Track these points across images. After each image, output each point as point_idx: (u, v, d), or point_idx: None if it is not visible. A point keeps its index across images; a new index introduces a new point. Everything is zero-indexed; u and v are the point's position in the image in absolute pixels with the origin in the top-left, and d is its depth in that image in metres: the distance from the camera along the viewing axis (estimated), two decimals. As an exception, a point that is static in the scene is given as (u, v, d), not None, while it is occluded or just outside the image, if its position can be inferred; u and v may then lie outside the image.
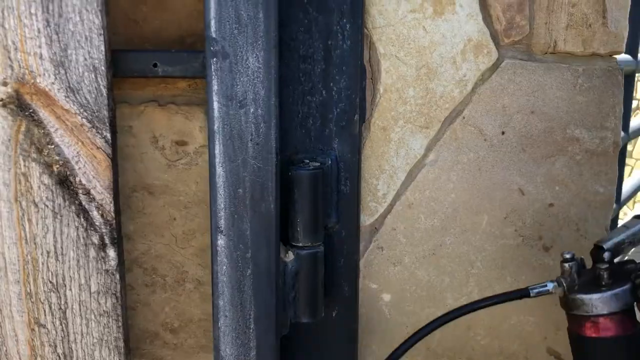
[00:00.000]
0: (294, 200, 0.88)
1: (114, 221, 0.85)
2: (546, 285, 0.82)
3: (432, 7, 0.95)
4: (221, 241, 0.86)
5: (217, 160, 0.83)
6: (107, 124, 0.82)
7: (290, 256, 0.90)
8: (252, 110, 0.82)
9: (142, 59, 0.84)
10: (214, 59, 0.80)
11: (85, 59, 0.80)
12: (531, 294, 0.83)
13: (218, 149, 0.83)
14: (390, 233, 1.01)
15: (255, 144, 0.83)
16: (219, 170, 0.84)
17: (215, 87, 0.81)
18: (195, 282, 1.00)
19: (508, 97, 1.01)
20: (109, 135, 0.83)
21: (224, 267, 0.87)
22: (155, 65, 0.85)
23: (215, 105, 0.82)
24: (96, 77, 0.81)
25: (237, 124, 0.82)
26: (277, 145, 0.84)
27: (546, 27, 1.01)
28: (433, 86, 0.98)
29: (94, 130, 0.82)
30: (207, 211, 0.97)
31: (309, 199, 0.88)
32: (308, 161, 0.89)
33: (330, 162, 0.92)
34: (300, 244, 0.89)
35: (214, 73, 0.81)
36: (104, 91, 0.82)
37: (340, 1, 0.88)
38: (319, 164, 0.90)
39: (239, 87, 0.81)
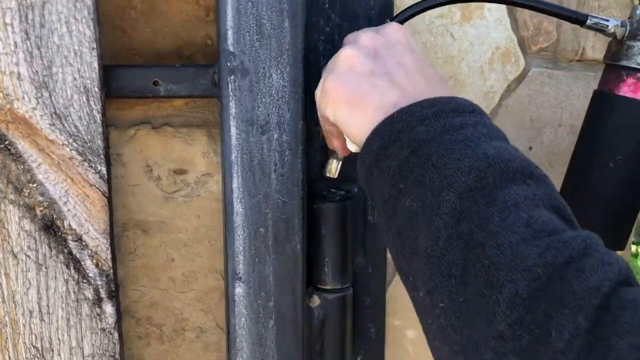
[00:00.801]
0: (320, 236, 0.76)
1: (111, 271, 0.71)
2: (608, 21, 0.70)
3: (460, 12, 0.86)
4: (240, 289, 0.73)
5: (234, 195, 0.71)
6: (102, 156, 0.68)
7: (316, 301, 0.78)
8: (275, 136, 0.70)
9: (140, 75, 0.71)
10: (232, 77, 0.68)
11: (75, 79, 0.66)
12: (588, 21, 0.70)
13: (236, 183, 0.70)
14: (415, 264, 0.91)
15: (280, 176, 0.71)
16: (238, 207, 0.71)
17: (233, 110, 0.69)
18: (196, 330, 0.86)
19: (536, 109, 0.93)
20: (104, 170, 0.69)
21: (243, 320, 0.74)
22: (156, 83, 0.71)
23: (233, 131, 0.69)
24: (88, 100, 0.67)
25: (258, 153, 0.70)
26: (304, 176, 0.72)
27: (573, 33, 0.93)
28: (460, 100, 0.88)
29: (85, 164, 0.68)
30: (210, 249, 0.84)
31: (337, 235, 0.76)
32: (333, 190, 0.77)
33: (356, 189, 0.81)
34: (328, 287, 0.78)
35: (231, 93, 0.68)
36: (98, 117, 0.67)
37: (367, 6, 0.77)
38: (344, 192, 0.79)
39: (261, 109, 0.69)
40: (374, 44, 0.61)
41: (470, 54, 0.88)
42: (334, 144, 0.68)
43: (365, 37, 0.62)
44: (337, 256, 0.77)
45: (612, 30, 0.71)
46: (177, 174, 0.82)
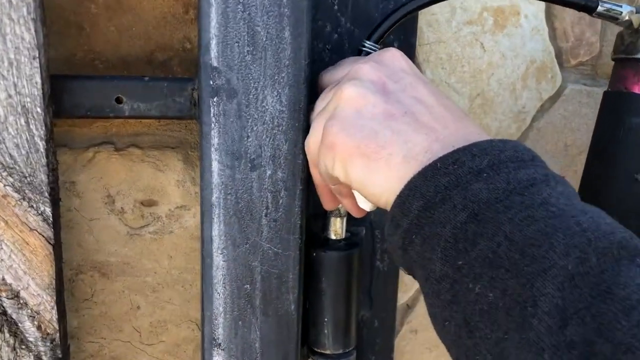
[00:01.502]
0: (319, 291, 0.62)
1: (58, 334, 0.57)
2: (621, 7, 0.58)
3: (493, 18, 0.71)
4: (218, 358, 0.59)
5: (214, 245, 0.56)
6: (46, 194, 0.53)
7: (311, 367, 0.64)
8: (269, 172, 0.56)
9: (100, 90, 0.55)
10: (215, 99, 0.53)
11: (9, 96, 0.51)
12: (599, 7, 0.58)
13: (217, 230, 0.56)
14: (426, 311, 0.78)
15: (272, 221, 0.57)
16: (218, 259, 0.57)
17: (215, 140, 0.54)
18: (166, 387, 0.73)
19: (571, 133, 0.80)
20: (48, 210, 0.54)
21: (222, 393, 0.60)
22: (119, 100, 0.56)
23: (215, 166, 0.54)
24: (27, 123, 0.52)
25: (246, 194, 0.56)
26: (303, 222, 0.58)
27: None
28: (488, 121, 0.74)
29: (24, 203, 0.53)
30: (183, 294, 0.69)
31: (341, 290, 0.63)
32: (337, 230, 0.63)
33: (364, 231, 0.67)
34: (328, 352, 0.64)
35: (214, 119, 0.53)
36: (40, 145, 0.52)
37: (386, 9, 0.62)
38: (349, 234, 0.65)
39: (251, 139, 0.54)
40: (380, 77, 0.48)
41: (502, 68, 0.73)
42: (343, 203, 0.54)
43: (368, 68, 0.48)
44: (340, 316, 0.63)
45: (627, 17, 0.58)
46: (145, 206, 0.67)
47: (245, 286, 0.58)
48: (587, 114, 0.80)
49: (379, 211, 0.67)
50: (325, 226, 0.62)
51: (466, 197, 0.39)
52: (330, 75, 0.55)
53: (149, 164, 0.66)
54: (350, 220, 0.65)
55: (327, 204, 0.58)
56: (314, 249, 0.62)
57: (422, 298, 0.77)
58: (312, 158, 0.54)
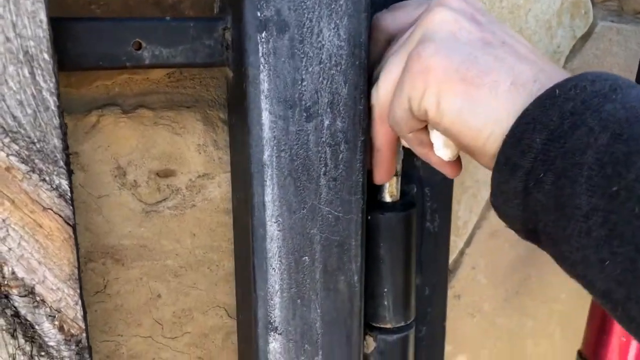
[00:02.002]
0: (378, 258, 0.55)
1: (84, 334, 0.47)
2: None
3: (531, -53, 0.65)
4: (275, 344, 0.51)
5: (267, 213, 0.47)
6: (61, 162, 0.43)
7: (370, 345, 0.57)
8: (326, 122, 0.47)
9: (114, 35, 0.45)
10: (263, 35, 0.44)
11: (7, 40, 0.40)
12: None
13: (270, 195, 0.47)
14: (469, 274, 0.72)
15: (332, 181, 0.48)
16: (272, 229, 0.48)
17: (265, 86, 0.45)
18: (193, 384, 0.63)
19: (605, 73, 0.74)
20: (65, 183, 0.44)
21: (279, 384, 0.52)
22: (138, 46, 0.46)
23: (266, 117, 0.45)
24: (32, 73, 0.41)
25: (302, 150, 0.47)
26: (365, 180, 0.50)
27: (646, -23, 0.75)
28: (526, 63, 0.68)
29: (34, 176, 0.43)
30: (210, 277, 0.60)
31: (401, 255, 0.55)
32: (392, 193, 0.55)
33: (415, 189, 0.60)
34: (389, 325, 0.56)
35: (262, 60, 0.44)
36: (51, 101, 0.42)
37: None
38: (403, 192, 0.57)
39: (305, 83, 0.46)
40: (467, 8, 0.43)
41: (538, 3, 0.67)
42: (421, 153, 0.47)
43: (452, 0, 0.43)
44: (401, 284, 0.56)
45: None
46: (162, 178, 0.57)
47: (304, 258, 0.49)
48: (618, 53, 0.75)
49: (428, 166, 0.60)
50: (378, 187, 0.54)
51: (602, 119, 0.34)
52: (393, 19, 0.47)
53: (163, 127, 0.56)
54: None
55: (384, 174, 0.51)
56: (369, 212, 0.54)
57: (464, 261, 0.71)
58: (380, 108, 0.46)
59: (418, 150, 0.47)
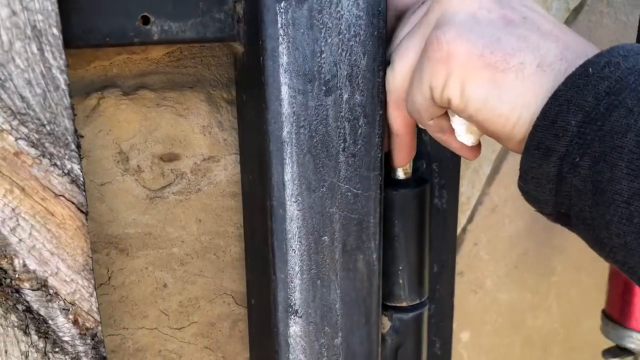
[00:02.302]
0: (392, 236, 0.54)
1: (99, 327, 0.44)
2: None
3: None
4: (296, 327, 0.49)
5: (287, 192, 0.46)
6: (73, 145, 0.41)
7: (386, 324, 0.56)
8: (345, 96, 0.46)
9: (121, 8, 0.43)
10: (282, 4, 0.42)
11: (14, 13, 0.37)
12: None
13: (290, 173, 0.46)
14: (471, 251, 0.72)
15: (350, 157, 0.47)
16: (292, 209, 0.46)
17: (284, 59, 0.43)
18: (201, 375, 0.62)
19: (596, 45, 0.75)
20: (77, 168, 0.41)
21: (301, 368, 0.51)
22: (146, 20, 0.44)
23: (285, 92, 0.44)
24: (41, 50, 0.38)
25: (321, 125, 0.45)
26: (383, 156, 0.49)
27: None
28: (523, 37, 0.68)
29: (45, 161, 0.40)
30: (217, 264, 0.58)
31: (416, 232, 0.54)
32: (405, 170, 0.54)
33: (424, 165, 0.59)
34: (404, 304, 0.56)
35: (281, 31, 0.42)
36: (61, 79, 0.39)
37: None
38: (415, 169, 0.56)
39: (325, 55, 0.44)
40: None
41: (534, -25, 0.67)
42: (443, 140, 0.46)
43: None
44: (415, 262, 0.55)
45: None
46: (166, 162, 0.55)
47: (323, 238, 0.48)
48: (608, 25, 0.75)
49: (435, 142, 0.59)
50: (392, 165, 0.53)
51: (638, 98, 0.32)
52: None
53: (166, 108, 0.53)
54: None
55: (404, 158, 0.49)
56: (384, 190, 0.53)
57: (467, 238, 0.71)
58: (397, 94, 0.45)
59: (438, 136, 0.45)
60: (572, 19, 0.73)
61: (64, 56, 0.39)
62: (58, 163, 0.40)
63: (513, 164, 0.70)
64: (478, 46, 0.37)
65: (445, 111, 0.43)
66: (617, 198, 0.32)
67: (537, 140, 0.35)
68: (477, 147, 0.45)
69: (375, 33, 0.45)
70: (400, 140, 0.48)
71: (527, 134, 0.36)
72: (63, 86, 0.39)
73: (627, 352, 0.65)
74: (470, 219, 0.70)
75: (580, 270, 0.81)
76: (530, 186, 0.37)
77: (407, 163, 0.51)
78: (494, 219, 0.72)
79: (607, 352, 0.67)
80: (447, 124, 0.44)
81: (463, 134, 0.44)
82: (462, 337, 0.74)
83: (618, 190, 0.32)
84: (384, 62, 0.46)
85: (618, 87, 0.33)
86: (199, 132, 0.55)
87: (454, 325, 0.73)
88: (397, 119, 0.46)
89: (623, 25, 0.76)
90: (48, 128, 0.40)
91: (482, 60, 0.37)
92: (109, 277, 0.55)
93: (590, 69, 0.34)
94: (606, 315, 0.66)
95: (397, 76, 0.44)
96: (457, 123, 0.43)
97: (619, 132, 0.32)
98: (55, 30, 0.38)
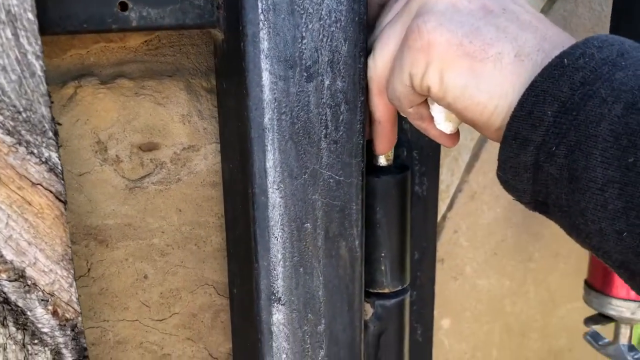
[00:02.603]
0: (374, 223, 0.54)
1: (79, 318, 0.44)
2: None
3: None
4: (279, 315, 0.49)
5: (269, 179, 0.46)
6: (50, 133, 0.40)
7: (368, 311, 0.56)
8: (327, 82, 0.45)
9: (97, -5, 0.42)
10: (262, -10, 0.42)
11: (-12, -2, 0.36)
12: None
13: (272, 160, 0.45)
14: (451, 238, 0.72)
15: (332, 143, 0.47)
16: (274, 196, 0.46)
17: (265, 44, 0.43)
18: (183, 367, 0.61)
19: (571, 34, 0.76)
20: (55, 156, 0.40)
21: (284, 356, 0.51)
22: (124, 6, 0.43)
23: (266, 78, 0.43)
24: (16, 35, 0.38)
25: (303, 112, 0.45)
26: (365, 142, 0.49)
27: None
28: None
29: (21, 149, 0.39)
30: (197, 254, 0.58)
31: (398, 219, 0.54)
32: (387, 156, 0.54)
33: (405, 152, 0.59)
34: (386, 290, 0.56)
35: (262, 17, 0.42)
36: (37, 65, 0.39)
37: None
38: (395, 156, 0.56)
39: (306, 41, 0.44)
40: None
41: (511, -36, 0.67)
42: (422, 128, 0.46)
43: None
44: (397, 248, 0.55)
45: None
46: (145, 151, 0.54)
47: (306, 225, 0.48)
48: (583, 14, 0.76)
49: (416, 129, 0.60)
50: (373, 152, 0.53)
51: (614, 88, 0.33)
52: None
53: (145, 97, 0.53)
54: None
55: (386, 145, 0.49)
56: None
57: (446, 225, 0.71)
58: (378, 81, 0.45)
59: (417, 124, 0.46)
60: (547, 8, 0.74)
61: (39, 42, 0.38)
62: (35, 151, 0.40)
63: (492, 152, 0.71)
64: (457, 35, 0.37)
65: (425, 99, 0.43)
66: (592, 185, 0.33)
67: (515, 130, 0.36)
68: (456, 134, 0.46)
69: (356, 19, 0.45)
70: (381, 127, 0.48)
71: (504, 122, 0.37)
72: (39, 72, 0.39)
73: (608, 319, 0.67)
74: (449, 207, 0.71)
75: (558, 257, 0.83)
76: (509, 175, 0.38)
77: (389, 151, 0.51)
78: (473, 206, 0.72)
79: (589, 320, 0.69)
80: (426, 112, 0.44)
81: (442, 122, 0.44)
82: (443, 324, 0.75)
83: (593, 178, 0.33)
84: (365, 48, 0.46)
85: (592, 77, 0.34)
86: (179, 121, 0.54)
87: (435, 312, 0.73)
88: (379, 107, 0.46)
89: (597, 14, 0.77)
90: (24, 115, 0.39)
91: (461, 49, 0.37)
92: (89, 269, 0.54)
93: (566, 60, 0.34)
94: (588, 284, 0.68)
95: (379, 64, 0.44)
96: (436, 111, 0.44)
97: (593, 121, 0.33)
98: (30, 15, 0.38)
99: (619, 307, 0.64)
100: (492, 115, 0.37)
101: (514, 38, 0.37)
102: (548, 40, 0.37)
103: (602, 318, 0.67)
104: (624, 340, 0.67)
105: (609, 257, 0.34)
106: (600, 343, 0.68)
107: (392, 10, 0.44)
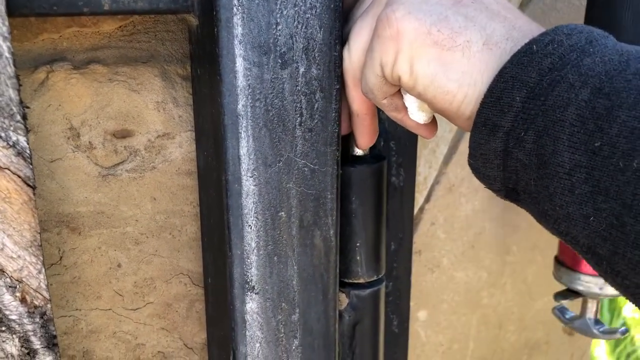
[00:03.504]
0: (349, 212, 0.54)
1: (49, 305, 0.43)
2: None
3: None
4: (252, 304, 0.49)
5: (243, 167, 0.45)
6: (18, 116, 0.39)
7: (344, 301, 0.56)
8: (302, 70, 0.45)
9: (68, -23, 0.41)
10: (236, -25, 0.41)
11: (-47, -23, 0.36)
12: None
13: (245, 147, 0.45)
14: (429, 230, 0.72)
15: (307, 131, 0.47)
16: (248, 184, 0.46)
17: (239, 30, 0.42)
18: (158, 357, 0.61)
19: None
20: (23, 140, 0.40)
21: (258, 345, 0.50)
22: (95, -11, 0.42)
23: (240, 64, 0.43)
24: (-17, 17, 0.37)
25: (277, 99, 0.45)
26: (340, 131, 0.48)
27: None
28: (480, 17, 0.69)
29: (-12, 133, 0.38)
30: (172, 243, 0.58)
31: (374, 208, 0.54)
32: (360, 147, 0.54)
33: (382, 142, 0.59)
34: (361, 280, 0.56)
35: (235, 1, 0.42)
36: (4, 47, 0.38)
37: None
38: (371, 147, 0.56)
39: (280, 27, 0.44)
40: None
41: (490, -44, 0.68)
42: (397, 118, 0.45)
43: None
44: (373, 238, 0.55)
45: None
46: (119, 138, 0.53)
47: (280, 213, 0.48)
48: (562, 9, 0.77)
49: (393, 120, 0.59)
50: (349, 140, 0.53)
51: (582, 74, 0.33)
52: None
53: (119, 83, 0.52)
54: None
55: (368, 139, 0.49)
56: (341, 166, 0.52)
57: (424, 217, 0.71)
58: (353, 73, 0.44)
59: (393, 115, 0.45)
60: (526, 2, 0.74)
61: (6, 22, 0.38)
62: (2, 135, 0.39)
63: (469, 144, 0.71)
64: (426, 24, 0.37)
65: (399, 90, 0.43)
66: (560, 170, 0.33)
67: (484, 116, 0.36)
68: (434, 125, 0.46)
69: (332, 6, 0.45)
70: (360, 120, 0.48)
71: (474, 111, 0.37)
72: (6, 54, 0.38)
73: (577, 294, 0.68)
74: (427, 199, 0.71)
75: (535, 250, 0.83)
76: (479, 163, 0.38)
77: (371, 144, 0.50)
78: (451, 199, 0.73)
79: (558, 295, 0.70)
80: (401, 103, 0.44)
81: (415, 112, 0.44)
82: (419, 315, 0.75)
83: (560, 163, 0.33)
84: (340, 36, 0.46)
85: (560, 63, 0.34)
86: (153, 108, 0.54)
87: (412, 304, 0.73)
88: (356, 99, 0.46)
89: (576, 8, 0.77)
90: (-9, 98, 0.38)
91: (429, 38, 0.37)
92: (61, 257, 0.53)
93: (535, 47, 0.34)
94: (558, 261, 0.70)
95: (353, 56, 0.44)
96: (410, 101, 0.43)
97: (561, 106, 0.33)
98: (-3, -4, 0.37)
99: (587, 282, 0.66)
100: (461, 104, 0.37)
101: (482, 27, 0.37)
102: (517, 29, 0.37)
103: (571, 293, 0.69)
104: (590, 314, 0.69)
105: (577, 242, 0.34)
106: (567, 317, 0.70)
107: (365, 1, 0.44)
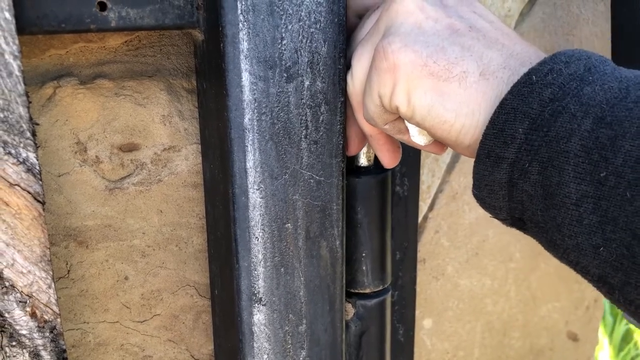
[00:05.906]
0: (355, 223, 0.54)
1: (58, 319, 0.43)
2: None
3: None
4: (260, 316, 0.49)
5: (249, 180, 0.46)
6: (28, 133, 0.40)
7: (350, 311, 0.56)
8: (307, 83, 0.46)
9: (75, -6, 0.42)
10: (241, -9, 0.42)
11: (-36, -3, 0.36)
12: None
13: (252, 161, 0.45)
14: (433, 238, 0.73)
15: (313, 144, 0.47)
16: (254, 196, 0.46)
17: (244, 45, 0.43)
18: (165, 368, 0.61)
19: (550, 36, 0.77)
20: (32, 156, 0.40)
21: (266, 357, 0.51)
22: (102, 6, 0.43)
23: (246, 78, 0.43)
24: (-7, 36, 0.37)
25: (283, 112, 0.45)
26: (345, 143, 0.49)
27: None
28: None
29: (-2, 150, 0.39)
30: (179, 255, 0.58)
31: (379, 219, 0.55)
32: (367, 157, 0.55)
33: (386, 153, 0.59)
34: (367, 290, 0.56)
35: (241, 17, 0.42)
36: (14, 65, 0.38)
37: None
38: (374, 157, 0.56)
39: (285, 42, 0.44)
40: None
41: (490, -35, 0.68)
42: (398, 139, 0.46)
43: None
44: (378, 248, 0.55)
45: None
46: (125, 152, 0.54)
47: (287, 225, 0.48)
48: (562, 16, 0.77)
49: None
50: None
51: (583, 103, 0.33)
52: None
53: (125, 98, 0.53)
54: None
55: (388, 158, 0.49)
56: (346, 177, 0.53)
57: (428, 226, 0.72)
58: (357, 99, 0.45)
59: (399, 137, 0.46)
60: (526, 10, 0.75)
61: (17, 41, 0.38)
62: (12, 151, 0.39)
63: (472, 153, 0.72)
64: (422, 56, 0.38)
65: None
66: (567, 201, 0.33)
67: (487, 148, 0.36)
68: (441, 143, 0.46)
69: (336, 20, 0.45)
70: (376, 141, 0.48)
71: (472, 140, 0.37)
72: (17, 72, 0.38)
73: None
74: (431, 207, 0.71)
75: (539, 257, 0.83)
76: (484, 193, 0.38)
77: (395, 163, 0.50)
78: (454, 207, 0.73)
79: None
80: (403, 126, 0.44)
81: (416, 135, 0.44)
82: (424, 323, 0.75)
83: (567, 194, 0.33)
84: (344, 49, 0.46)
85: (561, 93, 0.34)
86: (159, 122, 0.54)
87: (417, 312, 0.74)
88: (364, 122, 0.46)
89: (576, 17, 0.78)
90: (1, 115, 0.39)
91: (426, 69, 0.38)
92: (68, 271, 0.54)
93: (534, 77, 0.35)
94: None
95: (356, 82, 0.44)
96: (410, 126, 0.44)
97: (564, 136, 0.33)
98: (7, 15, 0.37)
99: None
100: (459, 134, 0.38)
101: (479, 56, 0.37)
102: (515, 57, 0.37)
103: None
104: None
105: (587, 271, 0.34)
106: None
107: (365, 27, 0.45)
